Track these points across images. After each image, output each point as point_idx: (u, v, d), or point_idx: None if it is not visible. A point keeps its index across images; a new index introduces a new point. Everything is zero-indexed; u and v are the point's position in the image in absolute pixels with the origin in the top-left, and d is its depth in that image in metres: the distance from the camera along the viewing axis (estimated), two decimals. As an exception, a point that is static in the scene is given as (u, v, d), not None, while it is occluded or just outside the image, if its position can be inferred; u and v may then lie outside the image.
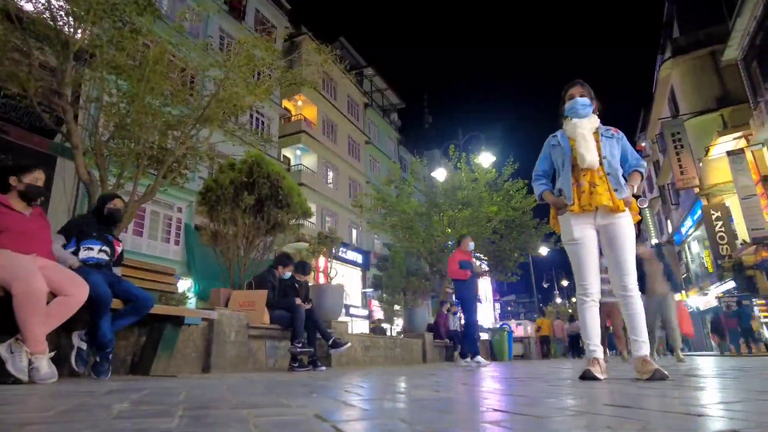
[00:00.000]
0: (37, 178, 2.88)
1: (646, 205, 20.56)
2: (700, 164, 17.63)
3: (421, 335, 9.55)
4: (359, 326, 25.04)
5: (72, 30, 5.79)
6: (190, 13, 7.38)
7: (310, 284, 6.19)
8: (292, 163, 24.78)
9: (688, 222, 20.85)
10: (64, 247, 3.12)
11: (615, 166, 2.80)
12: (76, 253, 3.13)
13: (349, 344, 5.35)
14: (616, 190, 2.72)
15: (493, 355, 12.91)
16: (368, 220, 16.03)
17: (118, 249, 3.43)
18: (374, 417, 1.25)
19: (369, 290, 25.07)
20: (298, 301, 5.05)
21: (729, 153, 15.25)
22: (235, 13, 20.62)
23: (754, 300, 14.80)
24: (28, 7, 5.76)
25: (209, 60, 7.28)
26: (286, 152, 24.58)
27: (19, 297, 2.41)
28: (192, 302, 14.75)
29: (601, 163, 2.78)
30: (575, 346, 16.34)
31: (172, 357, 3.67)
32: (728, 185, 16.20)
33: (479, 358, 6.85)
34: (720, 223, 17.19)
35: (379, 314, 23.80)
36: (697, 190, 18.21)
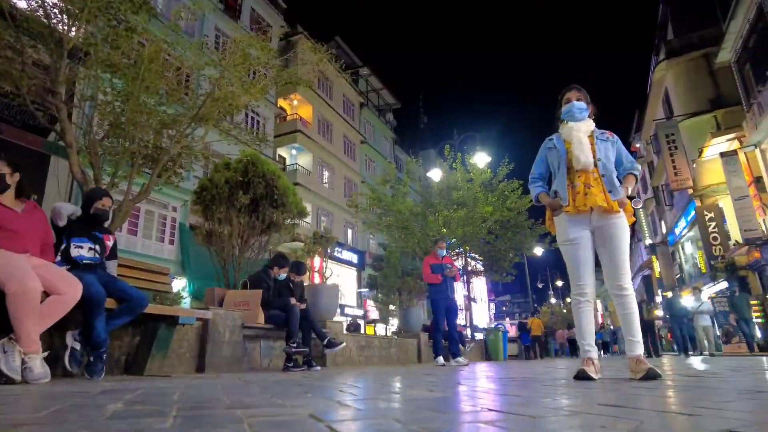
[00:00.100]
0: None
1: (640, 206, 20.66)
2: (694, 165, 17.74)
3: (416, 335, 9.57)
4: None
5: (66, 28, 5.75)
6: (185, 11, 7.34)
7: (305, 284, 6.19)
8: (288, 162, 24.74)
9: (682, 223, 20.98)
10: (56, 243, 3.10)
11: (609, 168, 2.84)
12: (66, 250, 3.08)
13: (343, 344, 5.34)
14: (610, 192, 2.75)
15: (488, 355, 12.95)
16: (363, 219, 16.03)
17: (109, 243, 3.36)
18: (369, 417, 1.25)
19: (364, 290, 25.06)
20: (293, 300, 5.04)
21: (722, 154, 15.35)
22: (230, 12, 20.56)
23: (748, 299, 14.90)
24: (22, 4, 5.71)
25: (204, 59, 7.25)
26: (282, 152, 24.53)
27: (13, 296, 2.40)
28: (186, 302, 14.69)
29: (595, 165, 2.81)
30: (574, 348, 16.52)
31: (167, 357, 3.66)
32: (721, 186, 16.31)
33: (440, 358, 6.95)
34: (713, 224, 17.30)
35: (374, 314, 23.83)
36: (690, 191, 18.32)
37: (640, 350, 2.65)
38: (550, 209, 2.98)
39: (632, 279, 2.95)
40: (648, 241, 28.82)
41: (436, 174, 14.81)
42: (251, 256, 6.35)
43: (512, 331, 26.30)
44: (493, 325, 27.08)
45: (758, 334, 14.43)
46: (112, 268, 3.39)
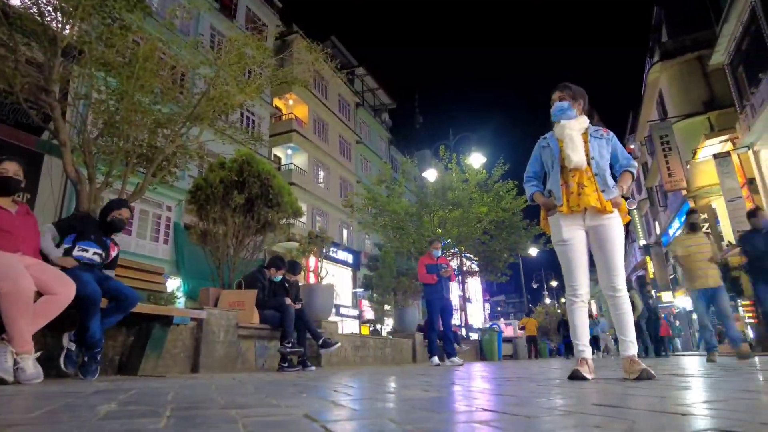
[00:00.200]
0: (15, 172, 2.81)
1: (634, 207, 20.71)
2: (688, 167, 17.84)
3: (411, 335, 9.57)
4: (349, 326, 25.03)
5: (60, 26, 5.72)
6: (180, 10, 7.33)
7: (300, 284, 6.18)
8: (283, 162, 24.70)
9: (676, 223, 21.09)
10: (59, 243, 3.09)
11: (603, 166, 2.82)
12: (70, 251, 3.09)
13: (338, 344, 5.34)
14: (603, 191, 2.74)
15: (483, 355, 12.97)
16: (359, 220, 16.03)
17: (113, 253, 3.42)
18: (364, 417, 1.25)
19: (359, 290, 25.05)
20: (288, 300, 5.03)
21: (715, 156, 15.45)
22: (226, 11, 20.50)
23: (739, 300, 15.01)
24: (15, 1, 5.67)
25: (200, 58, 7.23)
26: (277, 151, 24.49)
27: (6, 296, 2.38)
28: (181, 302, 14.63)
29: (589, 164, 2.80)
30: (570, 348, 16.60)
31: (161, 357, 3.64)
32: (715, 188, 16.41)
33: (434, 358, 6.98)
34: (706, 224, 17.40)
35: (369, 314, 23.82)
36: (684, 192, 18.43)
37: (633, 350, 2.66)
38: (545, 209, 2.98)
39: (626, 279, 2.97)
40: (642, 242, 28.99)
41: (431, 174, 14.82)
42: (246, 255, 6.33)
43: (507, 331, 26.39)
44: (488, 325, 27.17)
45: (750, 334, 14.54)
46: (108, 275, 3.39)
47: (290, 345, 4.73)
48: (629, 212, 2.98)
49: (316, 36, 25.52)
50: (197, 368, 4.15)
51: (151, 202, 15.67)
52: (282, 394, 1.89)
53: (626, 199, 2.84)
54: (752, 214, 6.34)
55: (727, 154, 15.20)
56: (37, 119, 5.95)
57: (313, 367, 5.01)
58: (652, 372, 2.51)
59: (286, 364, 4.76)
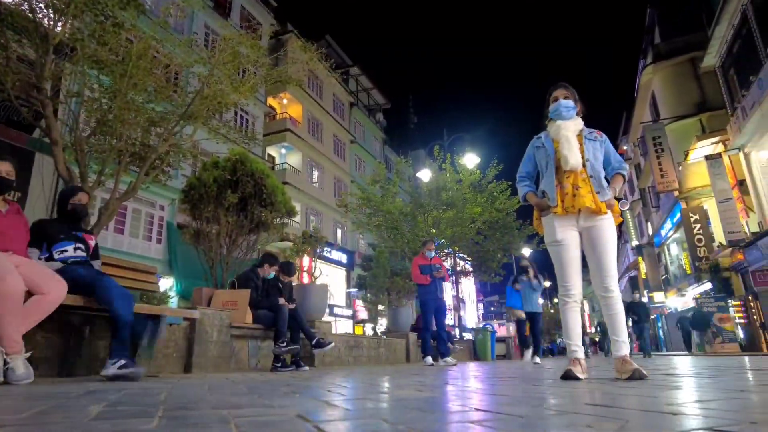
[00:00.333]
0: (7, 171, 2.78)
1: (627, 208, 20.79)
2: (680, 168, 17.99)
3: (405, 335, 9.58)
4: (343, 326, 25.00)
5: (52, 23, 5.66)
6: (174, 8, 7.28)
7: (293, 284, 6.16)
8: (277, 161, 24.62)
9: (668, 224, 21.26)
10: (39, 258, 2.99)
11: (598, 168, 2.84)
12: (49, 259, 2.99)
13: (332, 344, 5.33)
14: (598, 193, 2.75)
15: (476, 355, 13.00)
16: (353, 219, 16.00)
17: (92, 243, 3.29)
18: (357, 417, 1.25)
19: (353, 290, 25.03)
20: (281, 300, 5.02)
21: (707, 157, 15.59)
22: (220, 10, 20.41)
23: (729, 301, 15.16)
24: (6, -2, 5.61)
25: (194, 56, 7.19)
26: (271, 150, 24.40)
27: (-5, 296, 2.35)
28: (174, 301, 14.56)
29: (584, 166, 2.81)
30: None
31: (153, 357, 3.62)
32: (706, 189, 16.56)
33: (428, 358, 6.98)
34: (698, 225, 17.57)
35: (363, 314, 23.79)
36: (676, 193, 18.59)
37: (625, 350, 2.68)
38: (538, 209, 2.98)
39: (619, 280, 2.95)
40: (634, 243, 29.19)
41: (425, 174, 14.84)
42: (239, 255, 6.31)
43: (501, 331, 26.49)
44: (481, 325, 27.24)
45: (741, 334, 14.67)
46: (96, 267, 3.34)
47: (284, 345, 4.71)
48: (622, 213, 3.00)
49: (311, 35, 25.41)
50: (190, 368, 4.13)
51: (144, 201, 15.58)
52: (275, 394, 1.89)
53: (619, 200, 2.86)
54: None
55: (719, 155, 15.35)
56: (28, 117, 5.89)
57: (307, 367, 4.99)
58: (644, 372, 2.52)
59: (280, 364, 4.75)
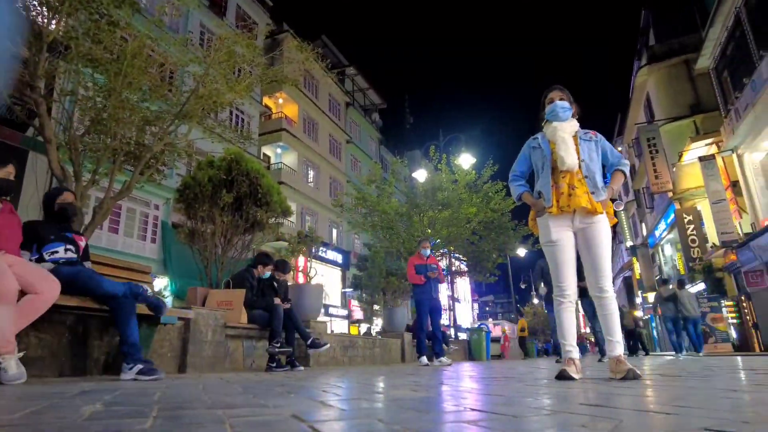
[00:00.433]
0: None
1: (621, 208, 20.88)
2: (674, 169, 18.07)
3: (400, 335, 9.58)
4: (338, 326, 24.99)
5: (46, 21, 5.63)
6: (169, 7, 7.25)
7: (289, 284, 6.15)
8: (273, 161, 24.58)
9: (662, 225, 21.37)
10: (30, 260, 2.95)
11: (593, 169, 2.85)
12: (40, 260, 2.96)
13: (327, 345, 5.33)
14: (593, 193, 2.77)
15: (471, 355, 13.02)
16: (349, 219, 16.01)
17: (82, 244, 3.26)
18: (352, 417, 1.25)
19: (349, 290, 25.02)
20: (276, 300, 5.01)
21: (701, 159, 15.67)
22: (215, 9, 20.35)
23: (722, 301, 15.24)
24: (0, -5, 5.57)
25: (189, 55, 7.17)
26: (267, 150, 24.36)
27: (-13, 295, 2.33)
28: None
29: (579, 166, 2.82)
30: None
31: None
32: (700, 190, 16.64)
33: (423, 358, 7.00)
34: (692, 226, 17.66)
35: (358, 314, 23.79)
36: (670, 194, 18.67)
37: (620, 350, 2.69)
38: (535, 210, 2.99)
39: (613, 280, 2.98)
40: (629, 243, 29.30)
41: (421, 175, 14.85)
42: (234, 255, 6.29)
43: (495, 331, 26.53)
44: (476, 326, 27.28)
45: (734, 334, 14.75)
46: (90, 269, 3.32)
47: (279, 345, 4.70)
48: (616, 214, 3.01)
49: (307, 35, 25.40)
50: (185, 368, 4.11)
51: (139, 200, 15.51)
52: (270, 394, 1.88)
53: (613, 201, 2.87)
54: None
55: (712, 157, 15.43)
56: (21, 115, 5.85)
57: (302, 367, 4.99)
58: (638, 372, 2.54)
59: (275, 364, 4.74)
